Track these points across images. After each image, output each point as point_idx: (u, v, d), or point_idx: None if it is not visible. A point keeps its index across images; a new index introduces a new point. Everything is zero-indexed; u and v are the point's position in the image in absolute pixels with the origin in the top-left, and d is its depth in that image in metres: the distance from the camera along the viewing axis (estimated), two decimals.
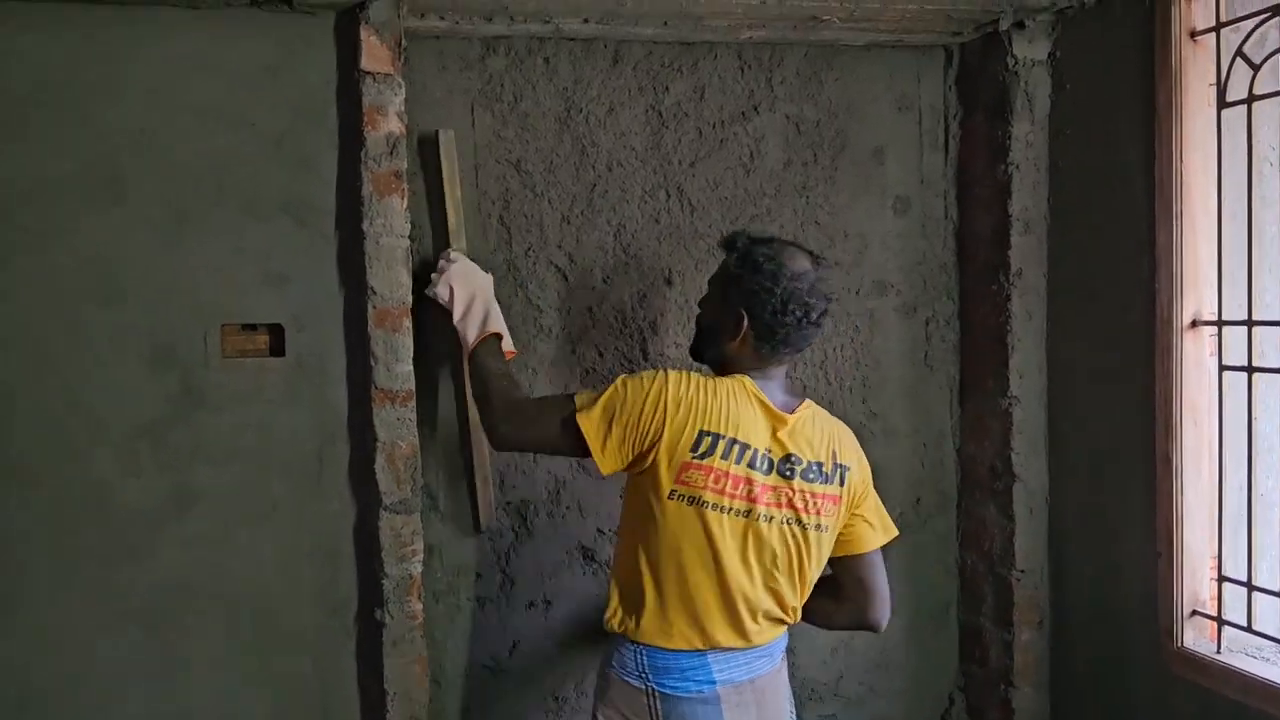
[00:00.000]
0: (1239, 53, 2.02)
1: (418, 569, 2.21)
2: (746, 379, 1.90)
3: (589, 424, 1.87)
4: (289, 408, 2.19)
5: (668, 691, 1.89)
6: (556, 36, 2.35)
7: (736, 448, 1.84)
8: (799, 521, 1.90)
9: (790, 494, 1.88)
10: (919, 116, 2.62)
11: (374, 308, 2.15)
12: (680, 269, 2.48)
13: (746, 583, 1.88)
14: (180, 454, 2.15)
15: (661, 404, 1.85)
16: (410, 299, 2.17)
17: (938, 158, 2.63)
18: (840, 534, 1.99)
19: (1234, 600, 2.13)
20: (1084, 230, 2.37)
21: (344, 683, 2.25)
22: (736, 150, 2.50)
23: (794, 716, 2.08)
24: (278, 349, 2.19)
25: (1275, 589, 2.06)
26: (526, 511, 2.43)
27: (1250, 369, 2.05)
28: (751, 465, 1.86)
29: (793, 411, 1.91)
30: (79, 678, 2.12)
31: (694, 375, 1.90)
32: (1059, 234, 2.44)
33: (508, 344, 2.16)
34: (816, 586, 2.00)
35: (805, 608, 2.00)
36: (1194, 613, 2.16)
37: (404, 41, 2.15)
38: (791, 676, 2.59)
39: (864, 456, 2.03)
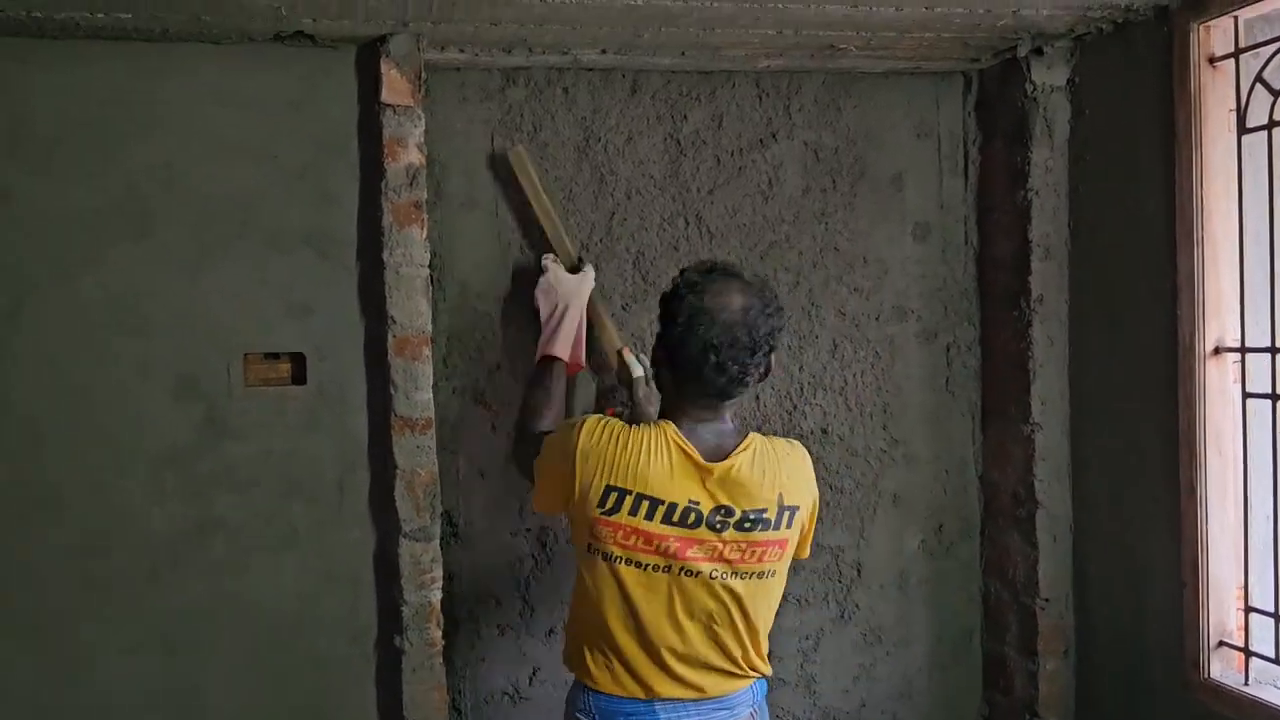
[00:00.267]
0: (1259, 78, 2.00)
1: (437, 596, 2.22)
2: (669, 426, 1.77)
3: (538, 469, 1.90)
4: (310, 436, 2.22)
5: None
6: (575, 67, 2.38)
7: (646, 503, 1.74)
8: (736, 574, 1.78)
9: (720, 547, 1.77)
10: (938, 143, 2.62)
11: (394, 336, 2.17)
12: None
13: (675, 638, 1.79)
14: (204, 482, 2.18)
15: (569, 458, 1.78)
16: (430, 328, 2.19)
17: (957, 183, 2.63)
18: None
19: (1261, 631, 2.10)
20: (1105, 256, 2.35)
21: (364, 710, 2.26)
22: (755, 177, 2.51)
23: None
24: (299, 378, 2.22)
25: None
26: (546, 538, 2.44)
27: (1275, 396, 2.03)
28: (668, 520, 1.74)
29: (725, 457, 1.76)
30: (102, 702, 2.15)
31: (610, 424, 1.79)
32: (1080, 260, 2.42)
33: (574, 358, 2.22)
34: None
35: None
36: (1221, 643, 2.13)
37: (424, 74, 2.18)
38: (812, 705, 2.59)
39: (813, 481, 1.90)
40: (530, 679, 2.44)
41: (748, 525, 1.77)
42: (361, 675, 2.26)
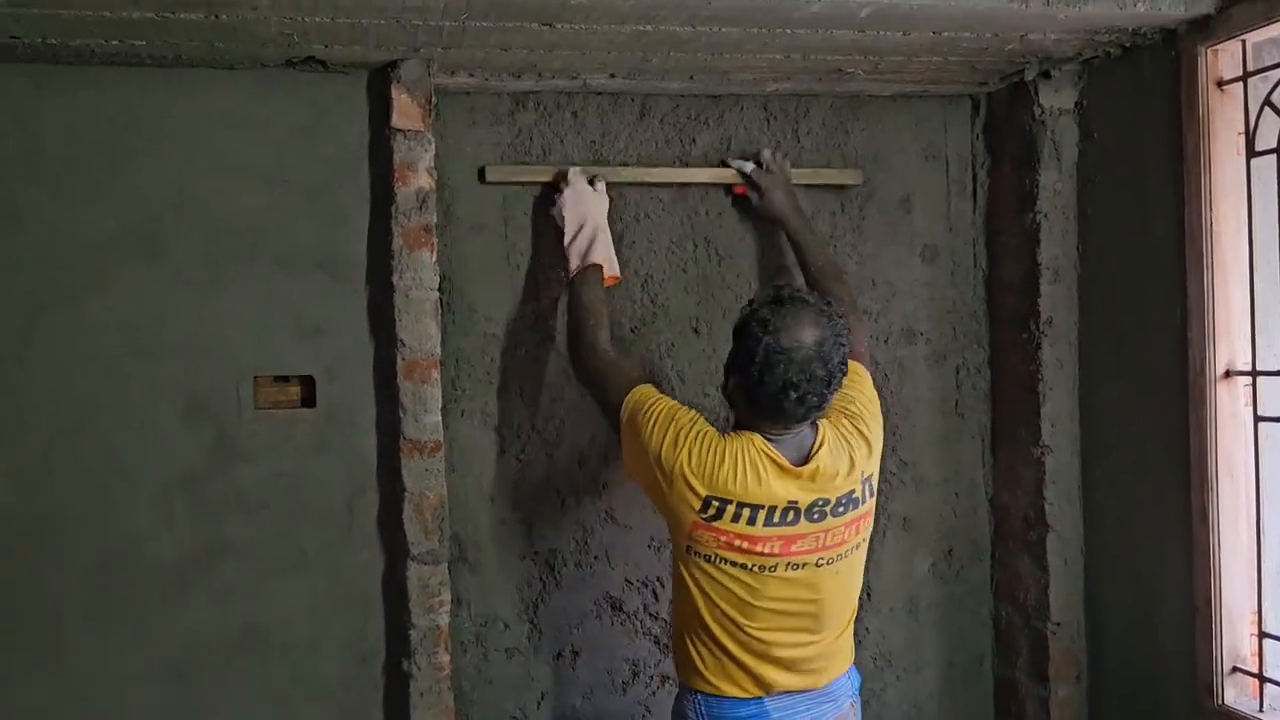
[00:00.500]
0: (1267, 101, 2.00)
1: (445, 620, 2.21)
2: (756, 438, 1.83)
3: (625, 428, 1.94)
4: (319, 458, 2.22)
5: None
6: (584, 91, 2.39)
7: (748, 510, 1.81)
8: (840, 556, 1.89)
9: (822, 536, 1.86)
10: (946, 165, 2.62)
11: (403, 359, 2.18)
12: (708, 319, 2.48)
13: (781, 633, 1.88)
14: (213, 505, 2.18)
15: (672, 462, 1.84)
16: (439, 351, 2.20)
17: (966, 206, 2.63)
18: None
19: (1276, 657, 2.08)
20: (1114, 279, 2.35)
21: None
22: None
23: None
24: (309, 400, 2.22)
25: None
26: (554, 561, 2.43)
27: None
28: (770, 523, 1.82)
29: (809, 458, 1.84)
30: None
31: (707, 433, 1.85)
32: (1089, 282, 2.42)
33: (612, 269, 2.25)
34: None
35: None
36: (1235, 669, 2.11)
37: (434, 99, 2.19)
38: None
39: (877, 419, 1.99)
40: (538, 703, 2.43)
41: (841, 510, 1.87)
42: (369, 699, 2.25)
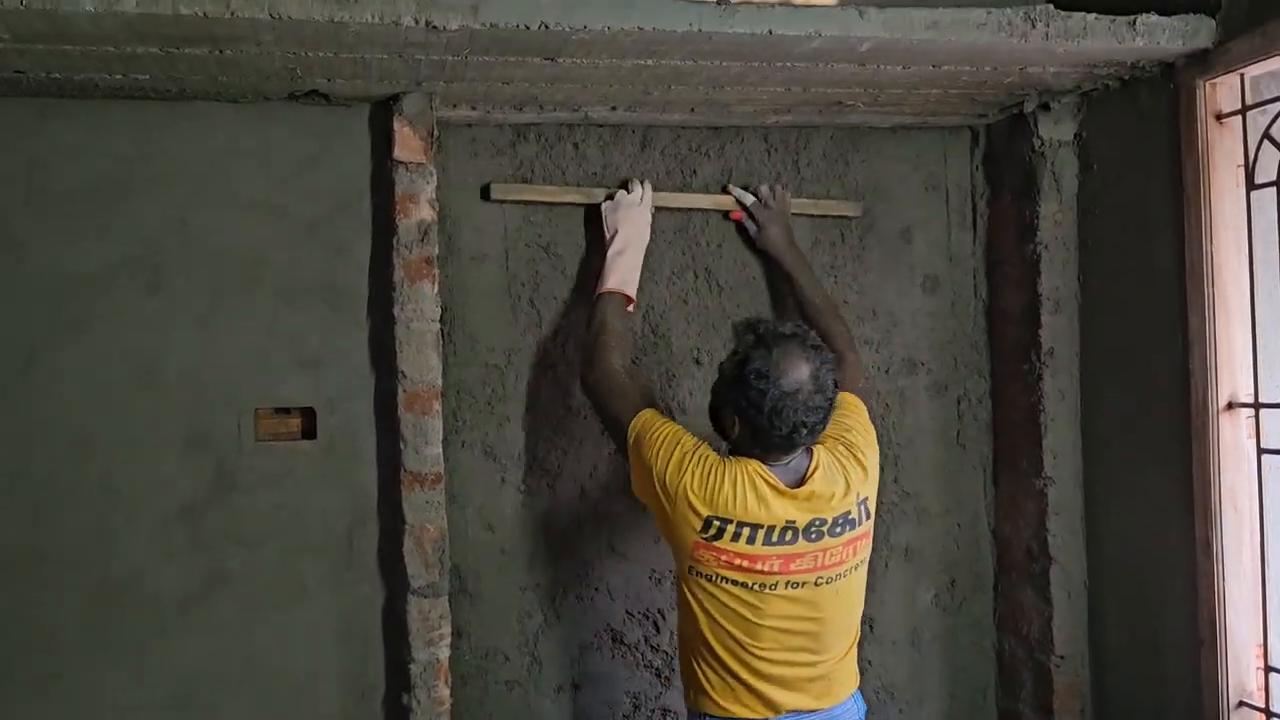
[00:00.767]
0: (1266, 135, 2.01)
1: (445, 653, 2.20)
2: (753, 463, 1.89)
3: (632, 450, 1.98)
4: (320, 490, 2.22)
5: None
6: (585, 123, 2.40)
7: (747, 529, 1.86)
8: (839, 575, 1.92)
9: (820, 555, 1.90)
10: (946, 196, 2.63)
11: (404, 391, 2.17)
12: (709, 349, 2.48)
13: (785, 654, 1.91)
14: (213, 538, 2.17)
15: (675, 483, 1.89)
16: (440, 382, 2.19)
17: (966, 237, 2.64)
18: None
19: None
20: (1116, 310, 2.35)
21: None
22: None
23: None
24: (310, 432, 2.22)
25: None
26: (555, 593, 2.42)
27: None
28: (769, 542, 1.86)
29: (804, 481, 1.88)
30: None
31: (708, 457, 1.90)
32: (1090, 313, 2.42)
33: (633, 289, 2.29)
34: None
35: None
36: (1241, 704, 2.09)
37: (436, 131, 2.20)
38: None
39: (873, 448, 2.02)
40: None
41: (838, 530, 1.91)
42: None
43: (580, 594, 2.43)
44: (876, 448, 2.05)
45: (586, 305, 2.42)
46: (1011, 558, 2.59)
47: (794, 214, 2.47)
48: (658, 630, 2.46)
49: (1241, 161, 2.07)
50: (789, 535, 1.87)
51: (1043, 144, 2.42)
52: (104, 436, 2.13)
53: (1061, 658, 2.45)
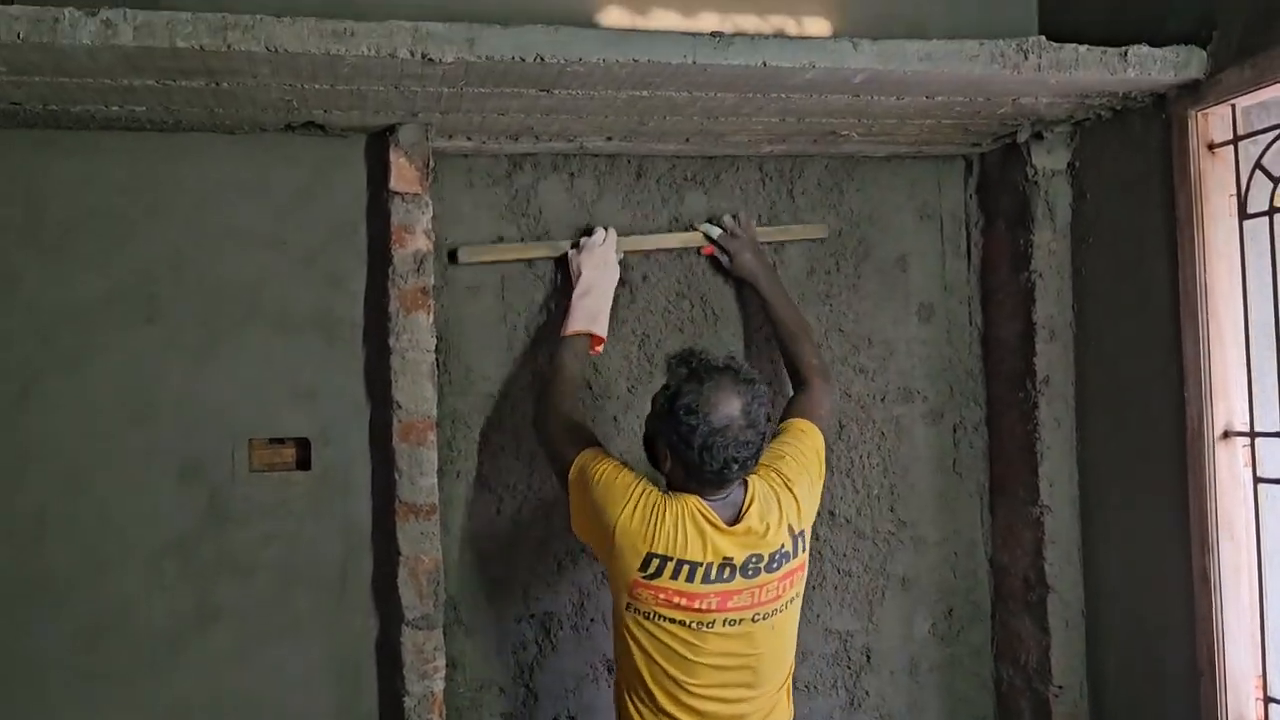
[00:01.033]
0: (1258, 165, 2.02)
1: (439, 686, 2.18)
2: (691, 499, 1.88)
3: (573, 487, 1.99)
4: (314, 521, 2.21)
5: None
6: (581, 153, 2.41)
7: (686, 567, 1.85)
8: (775, 611, 1.93)
9: (757, 592, 1.90)
10: (940, 224, 2.64)
11: (399, 421, 2.17)
12: None
13: (722, 690, 1.91)
14: (206, 569, 2.16)
15: (614, 520, 1.88)
16: (435, 412, 2.19)
17: (961, 265, 2.64)
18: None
19: None
20: (1111, 338, 2.35)
21: None
22: None
23: None
24: (304, 462, 2.21)
25: None
26: (550, 624, 2.41)
27: None
28: (707, 580, 1.86)
29: (740, 517, 1.88)
30: None
31: (649, 493, 1.89)
32: (1085, 342, 2.42)
33: (603, 333, 2.29)
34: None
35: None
36: None
37: (432, 162, 2.21)
38: None
39: (810, 474, 2.02)
40: None
41: (775, 565, 1.91)
42: None
43: (576, 625, 2.42)
44: (818, 475, 2.05)
45: None
46: (1009, 587, 2.58)
47: (762, 242, 2.47)
48: None
49: (1234, 191, 2.08)
50: (727, 572, 1.87)
51: (1036, 173, 2.43)
52: (98, 466, 2.12)
53: (1060, 688, 2.43)
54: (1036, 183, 2.43)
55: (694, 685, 1.90)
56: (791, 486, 1.96)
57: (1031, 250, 2.44)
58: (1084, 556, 2.45)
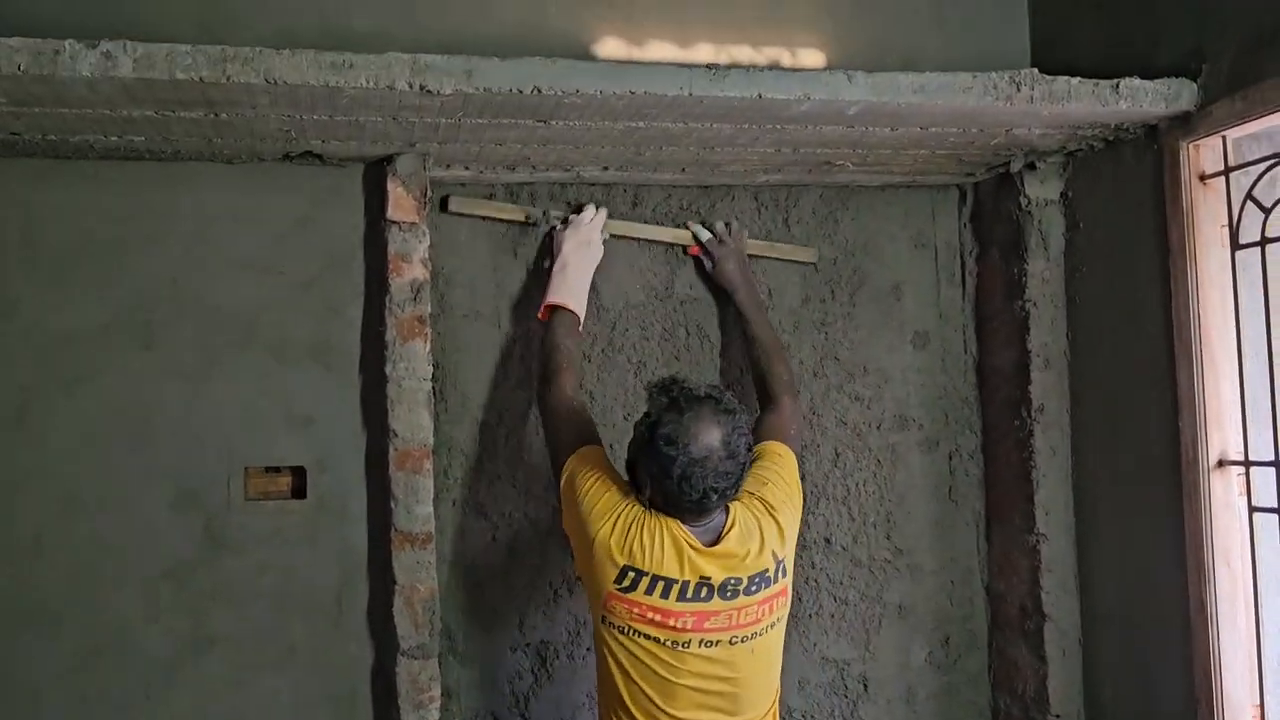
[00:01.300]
0: (1249, 196, 2.04)
1: (435, 715, 2.17)
2: (673, 524, 1.88)
3: (565, 484, 2.00)
4: (309, 550, 2.20)
5: None
6: (578, 182, 2.42)
7: (661, 583, 1.86)
8: (755, 634, 1.92)
9: (735, 614, 1.89)
10: (935, 253, 2.65)
11: (395, 449, 2.17)
12: None
13: (702, 713, 1.90)
14: (201, 596, 2.16)
15: (596, 529, 1.89)
16: (431, 441, 2.19)
17: (955, 293, 2.66)
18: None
19: None
20: (1105, 367, 2.36)
21: None
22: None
23: None
24: (300, 491, 2.21)
25: None
26: (546, 653, 2.40)
27: None
28: (683, 598, 1.86)
29: (719, 540, 1.88)
30: None
31: (634, 508, 1.90)
32: (1080, 370, 2.43)
33: (581, 313, 2.29)
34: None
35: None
36: None
37: (430, 191, 2.22)
38: None
39: (791, 500, 2.02)
40: None
41: (754, 589, 1.90)
42: None
43: (572, 653, 2.41)
44: (798, 501, 2.05)
45: (580, 361, 2.43)
46: (1005, 615, 2.58)
47: (750, 255, 2.49)
48: None
49: (1225, 221, 2.09)
50: (704, 592, 1.87)
51: (1029, 203, 2.44)
52: (93, 493, 2.12)
53: (1057, 716, 2.42)
54: (1030, 212, 2.45)
55: (673, 708, 1.89)
56: (775, 514, 1.96)
57: (1025, 279, 2.46)
58: (1080, 584, 2.44)
